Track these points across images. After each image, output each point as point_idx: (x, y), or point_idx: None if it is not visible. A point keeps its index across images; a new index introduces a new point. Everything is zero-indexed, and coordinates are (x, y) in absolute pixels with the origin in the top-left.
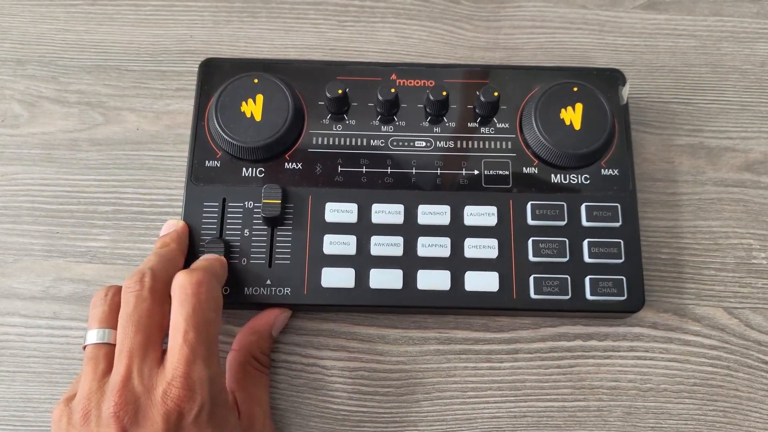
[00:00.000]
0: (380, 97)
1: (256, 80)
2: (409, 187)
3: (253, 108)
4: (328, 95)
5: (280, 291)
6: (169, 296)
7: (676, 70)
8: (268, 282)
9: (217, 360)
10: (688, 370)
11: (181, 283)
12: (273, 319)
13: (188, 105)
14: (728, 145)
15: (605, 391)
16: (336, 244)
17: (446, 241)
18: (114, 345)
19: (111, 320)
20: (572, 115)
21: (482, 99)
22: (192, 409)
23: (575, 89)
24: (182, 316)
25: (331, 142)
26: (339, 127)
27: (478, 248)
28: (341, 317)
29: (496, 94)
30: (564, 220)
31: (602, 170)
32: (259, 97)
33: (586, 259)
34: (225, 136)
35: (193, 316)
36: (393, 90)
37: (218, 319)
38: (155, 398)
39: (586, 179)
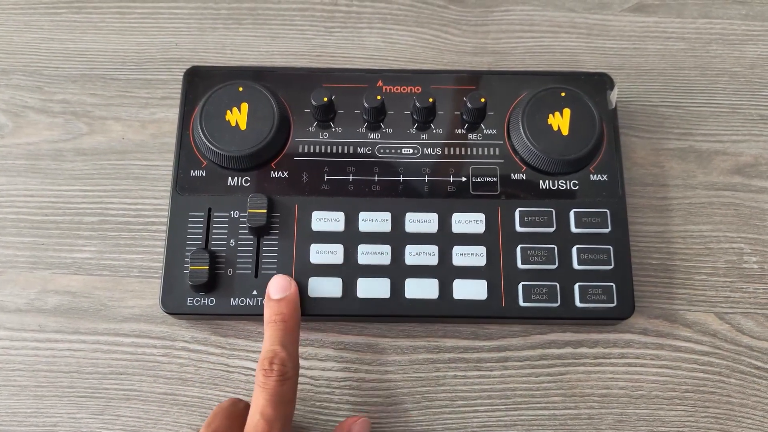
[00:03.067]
0: (366, 105)
1: (240, 88)
2: (396, 194)
3: (238, 116)
4: (314, 103)
5: None
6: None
7: (665, 73)
8: (255, 292)
9: None
10: (680, 377)
11: (264, 367)
12: (347, 429)
13: (174, 114)
14: (718, 148)
15: (596, 398)
16: (323, 254)
17: (434, 249)
18: None
19: None
20: (560, 121)
21: (469, 105)
22: None
23: (563, 94)
24: (263, 395)
25: (317, 150)
26: (325, 135)
27: (467, 256)
28: (329, 327)
29: (483, 100)
30: (552, 227)
31: (591, 176)
32: (244, 106)
33: (575, 265)
34: (210, 146)
35: (273, 396)
36: (379, 97)
37: (294, 400)
38: None
39: (574, 185)
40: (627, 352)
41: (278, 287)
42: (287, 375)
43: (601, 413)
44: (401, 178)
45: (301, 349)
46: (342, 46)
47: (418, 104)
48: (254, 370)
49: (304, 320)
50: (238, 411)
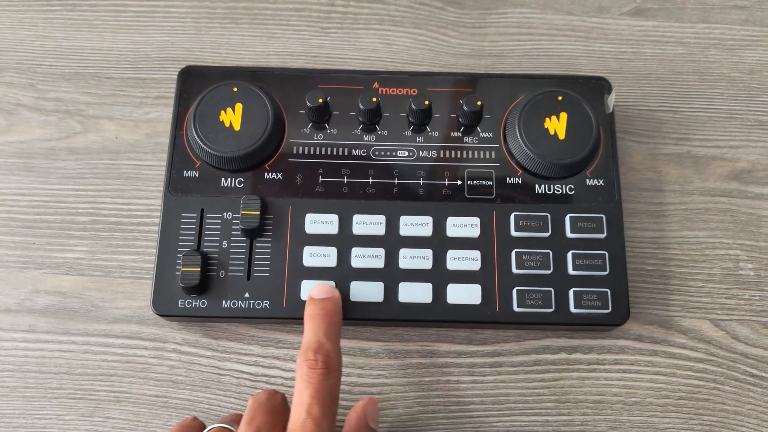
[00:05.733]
0: (361, 106)
1: (235, 89)
2: (391, 197)
3: (232, 117)
4: (309, 104)
5: (258, 304)
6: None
7: (663, 77)
8: (247, 295)
9: None
10: (674, 384)
11: (309, 358)
12: (361, 411)
13: (168, 113)
14: (716, 153)
15: (590, 405)
16: (316, 256)
17: (428, 252)
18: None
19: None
20: (557, 125)
21: (465, 108)
22: None
23: (560, 98)
24: (308, 390)
25: (311, 152)
26: (320, 137)
27: (461, 260)
28: None
29: (479, 103)
30: (548, 232)
31: (587, 180)
32: (238, 106)
33: (570, 271)
34: (203, 146)
35: (319, 390)
36: (374, 99)
37: (338, 399)
38: None
39: (570, 189)
40: (621, 358)
41: (321, 291)
42: (333, 368)
43: (595, 420)
44: (396, 181)
45: (292, 352)
46: (339, 47)
47: (413, 106)
48: (245, 373)
49: (296, 323)
50: (278, 404)
